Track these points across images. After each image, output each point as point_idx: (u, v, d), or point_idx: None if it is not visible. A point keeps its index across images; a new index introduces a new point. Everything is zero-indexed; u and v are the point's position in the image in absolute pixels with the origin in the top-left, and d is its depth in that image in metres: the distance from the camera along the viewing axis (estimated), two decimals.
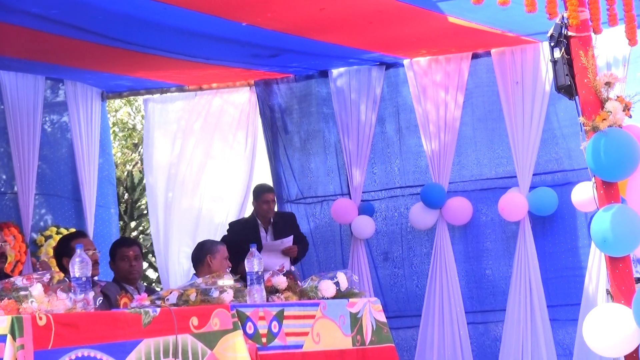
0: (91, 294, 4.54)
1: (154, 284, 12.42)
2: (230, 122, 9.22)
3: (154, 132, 9.33)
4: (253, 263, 5.49)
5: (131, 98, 14.07)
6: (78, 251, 4.60)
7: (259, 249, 7.89)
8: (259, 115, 9.22)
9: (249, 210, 9.00)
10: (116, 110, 16.11)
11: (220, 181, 9.19)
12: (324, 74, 8.90)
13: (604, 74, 5.18)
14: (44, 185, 8.56)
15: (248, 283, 5.49)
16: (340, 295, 5.92)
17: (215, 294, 5.09)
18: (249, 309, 5.22)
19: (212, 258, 6.81)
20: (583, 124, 5.10)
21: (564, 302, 7.97)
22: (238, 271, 6.59)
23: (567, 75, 5.17)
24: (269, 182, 9.10)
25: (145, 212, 13.00)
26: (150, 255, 12.83)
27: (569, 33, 5.15)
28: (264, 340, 5.24)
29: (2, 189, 8.33)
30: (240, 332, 5.05)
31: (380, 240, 8.78)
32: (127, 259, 6.54)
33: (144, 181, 10.37)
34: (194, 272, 6.97)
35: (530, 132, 8.02)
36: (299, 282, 5.96)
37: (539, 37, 7.71)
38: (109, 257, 6.67)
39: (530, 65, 8.03)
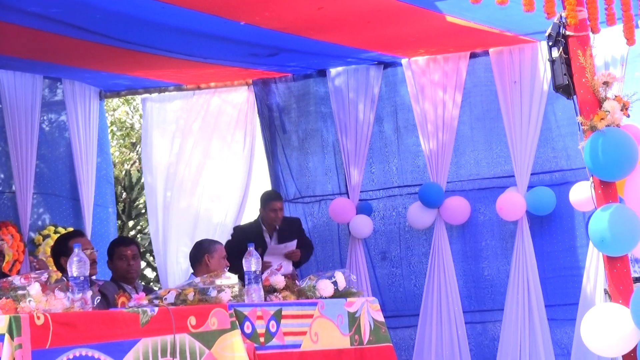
0: (89, 293, 4.54)
1: (152, 284, 12.41)
2: (228, 122, 9.20)
3: (152, 131, 9.32)
4: (251, 262, 5.49)
5: (129, 97, 14.05)
6: (76, 250, 4.59)
7: (262, 254, 7.89)
8: (257, 115, 9.22)
9: (248, 210, 9.00)
10: (114, 109, 16.10)
11: (218, 181, 9.17)
12: (322, 73, 8.88)
13: (602, 73, 5.18)
14: (42, 184, 8.55)
15: (246, 282, 5.48)
16: (338, 294, 5.91)
17: (213, 293, 5.09)
18: (246, 308, 5.22)
19: (210, 257, 6.79)
20: (581, 123, 5.10)
21: (562, 301, 7.97)
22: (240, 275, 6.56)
23: (565, 74, 5.17)
24: (267, 181, 9.09)
25: (143, 211, 13.00)
26: (149, 254, 12.84)
27: (567, 32, 5.15)
28: (261, 339, 5.24)
29: (0, 188, 8.32)
30: (238, 331, 5.05)
31: (378, 240, 8.77)
32: (125, 258, 6.52)
33: (142, 180, 10.36)
34: (192, 271, 6.96)
35: (528, 131, 8.02)
36: (297, 281, 5.96)
37: (537, 36, 7.70)
38: (106, 257, 6.66)
39: (528, 64, 8.03)
